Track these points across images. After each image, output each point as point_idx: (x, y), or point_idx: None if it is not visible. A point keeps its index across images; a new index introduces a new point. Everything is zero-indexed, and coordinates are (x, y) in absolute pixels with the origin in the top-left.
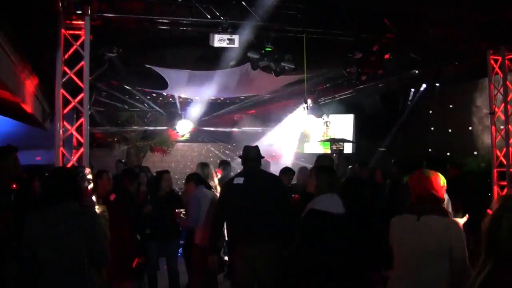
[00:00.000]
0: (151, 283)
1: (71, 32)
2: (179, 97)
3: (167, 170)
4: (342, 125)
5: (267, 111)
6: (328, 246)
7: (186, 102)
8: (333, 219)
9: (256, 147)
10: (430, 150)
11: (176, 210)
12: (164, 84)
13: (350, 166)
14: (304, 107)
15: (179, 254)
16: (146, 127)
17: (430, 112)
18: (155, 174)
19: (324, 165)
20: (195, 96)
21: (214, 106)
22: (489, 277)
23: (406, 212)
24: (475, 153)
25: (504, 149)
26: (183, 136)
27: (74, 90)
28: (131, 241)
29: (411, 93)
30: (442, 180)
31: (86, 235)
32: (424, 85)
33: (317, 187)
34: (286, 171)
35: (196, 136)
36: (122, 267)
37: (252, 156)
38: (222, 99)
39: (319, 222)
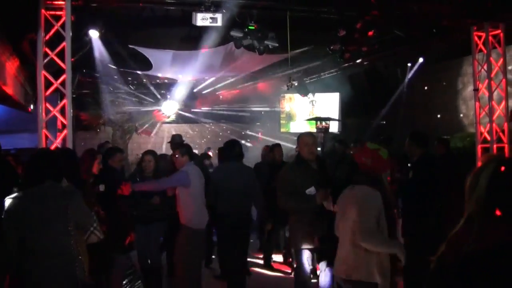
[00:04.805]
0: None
1: (51, 12)
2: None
3: (149, 150)
4: (328, 104)
5: (252, 91)
6: None
7: (171, 83)
8: None
9: None
10: (415, 127)
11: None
12: (148, 65)
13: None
14: (288, 86)
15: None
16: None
17: (415, 89)
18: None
19: None
20: (179, 77)
21: (198, 86)
22: (456, 233)
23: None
24: (460, 130)
25: (488, 125)
26: (169, 117)
27: (56, 71)
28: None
29: (396, 71)
30: (383, 154)
31: (71, 214)
32: (408, 63)
33: None
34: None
35: (182, 116)
36: (115, 242)
37: None
38: (206, 78)
39: None
